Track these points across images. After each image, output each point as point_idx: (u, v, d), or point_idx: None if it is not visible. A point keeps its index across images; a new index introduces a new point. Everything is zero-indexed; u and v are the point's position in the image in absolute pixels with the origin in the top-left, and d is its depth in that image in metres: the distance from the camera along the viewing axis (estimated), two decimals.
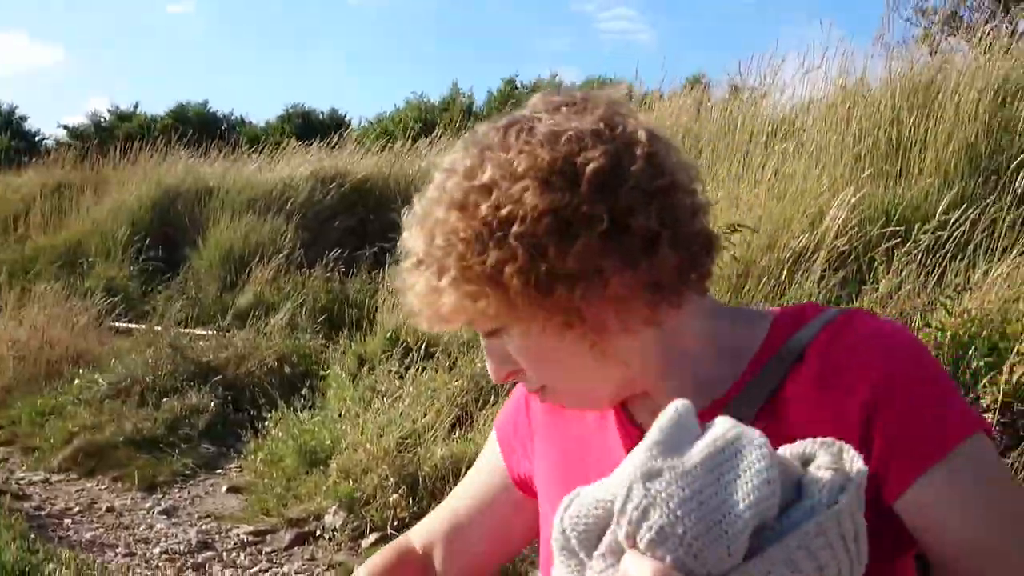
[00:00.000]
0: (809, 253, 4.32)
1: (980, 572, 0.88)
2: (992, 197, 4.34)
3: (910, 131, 4.94)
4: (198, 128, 21.38)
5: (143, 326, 7.18)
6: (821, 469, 0.71)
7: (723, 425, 0.70)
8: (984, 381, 3.41)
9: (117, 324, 7.52)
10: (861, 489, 0.69)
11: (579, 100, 1.00)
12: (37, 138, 29.62)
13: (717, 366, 1.01)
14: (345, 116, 30.24)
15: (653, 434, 0.70)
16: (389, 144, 11.19)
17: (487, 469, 1.33)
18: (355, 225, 8.93)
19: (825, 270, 4.26)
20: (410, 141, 11.43)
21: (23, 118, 30.79)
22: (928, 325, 3.60)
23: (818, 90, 5.97)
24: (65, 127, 29.34)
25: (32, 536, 3.64)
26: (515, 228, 0.93)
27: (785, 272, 4.35)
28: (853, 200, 4.23)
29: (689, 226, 0.96)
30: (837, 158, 5.06)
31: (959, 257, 4.06)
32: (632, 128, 0.97)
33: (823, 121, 5.41)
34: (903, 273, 3.86)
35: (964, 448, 0.89)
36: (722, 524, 0.63)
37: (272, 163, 10.50)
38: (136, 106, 30.82)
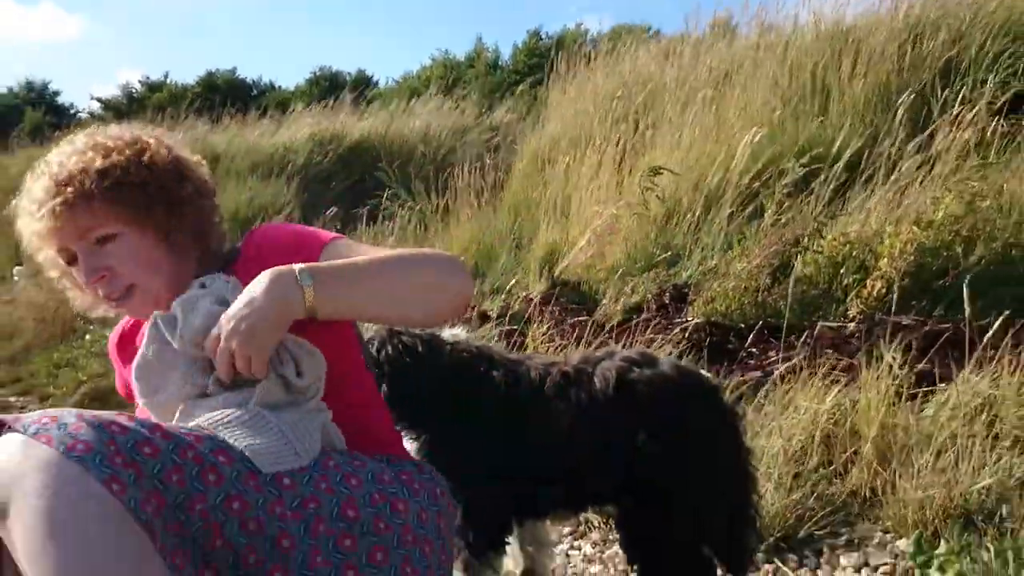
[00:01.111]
0: (721, 191, 4.72)
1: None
2: (897, 133, 4.69)
3: (828, 73, 5.28)
4: (227, 95, 21.90)
5: None
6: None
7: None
8: (852, 295, 3.84)
9: None
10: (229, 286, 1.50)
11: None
12: (72, 111, 30.32)
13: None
14: (372, 76, 30.59)
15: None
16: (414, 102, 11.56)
17: None
18: (352, 185, 9.41)
19: (735, 206, 4.67)
20: (440, 95, 11.81)
21: (56, 93, 31.51)
22: (807, 249, 4.01)
23: (754, 38, 6.29)
24: (98, 100, 30.00)
25: None
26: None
27: (700, 210, 4.77)
28: (756, 139, 4.61)
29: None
30: (764, 102, 5.43)
31: (852, 188, 4.45)
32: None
33: (755, 66, 5.76)
34: (784, 205, 4.26)
35: (331, 247, 1.59)
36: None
37: (276, 128, 10.98)
38: (166, 76, 31.35)
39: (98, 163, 1.57)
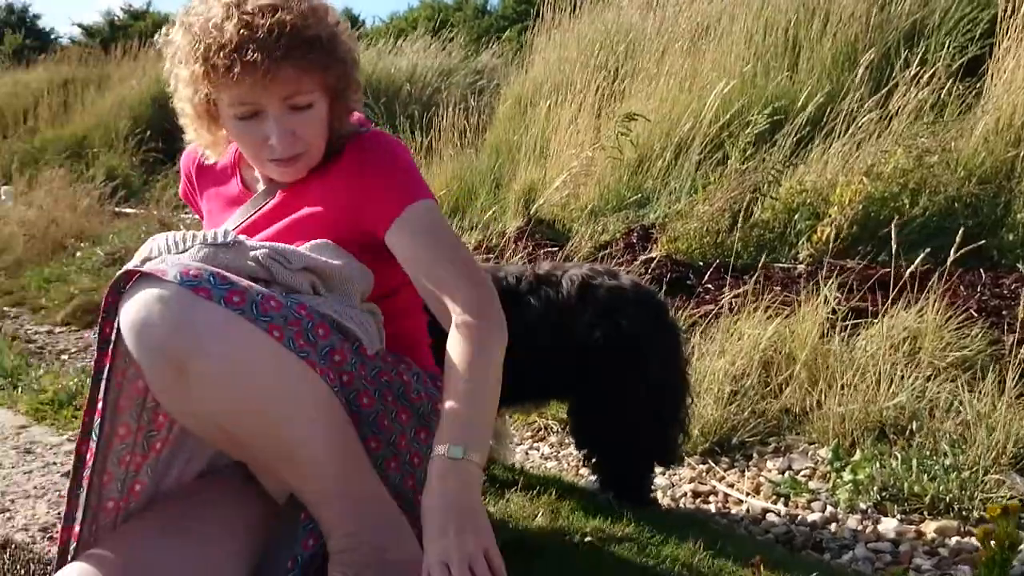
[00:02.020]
0: (691, 139, 4.99)
1: (420, 270, 1.63)
2: (859, 91, 4.96)
3: (800, 31, 5.53)
4: None
5: (141, 210, 7.97)
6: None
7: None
8: (803, 239, 4.13)
9: (117, 208, 8.31)
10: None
11: None
12: (52, 36, 30.05)
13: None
14: (359, 16, 30.42)
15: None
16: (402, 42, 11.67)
17: None
18: None
19: (703, 153, 4.94)
20: (428, 36, 11.90)
21: (37, 16, 31.19)
22: (765, 196, 4.30)
23: None
24: (79, 25, 29.73)
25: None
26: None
27: (670, 156, 5.03)
28: (726, 91, 4.86)
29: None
30: (738, 56, 5.67)
31: (814, 141, 4.73)
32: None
33: (731, 20, 5.99)
34: (748, 154, 4.54)
35: (415, 206, 1.66)
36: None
37: None
38: (149, 4, 31.06)
39: (324, 33, 1.61)
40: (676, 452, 2.43)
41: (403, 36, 12.58)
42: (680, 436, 2.42)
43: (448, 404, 1.49)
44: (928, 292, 3.23)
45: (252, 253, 1.57)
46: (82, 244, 6.85)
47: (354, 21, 28.43)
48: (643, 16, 7.75)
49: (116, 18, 29.73)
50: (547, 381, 2.33)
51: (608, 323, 2.23)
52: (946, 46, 4.96)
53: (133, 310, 1.40)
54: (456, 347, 1.54)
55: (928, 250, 3.59)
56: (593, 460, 2.36)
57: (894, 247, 3.38)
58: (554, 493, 2.27)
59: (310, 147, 1.69)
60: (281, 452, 1.52)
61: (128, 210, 8.25)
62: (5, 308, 6.01)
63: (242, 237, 1.62)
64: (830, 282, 3.37)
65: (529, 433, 3.19)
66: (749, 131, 4.69)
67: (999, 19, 4.76)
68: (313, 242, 1.66)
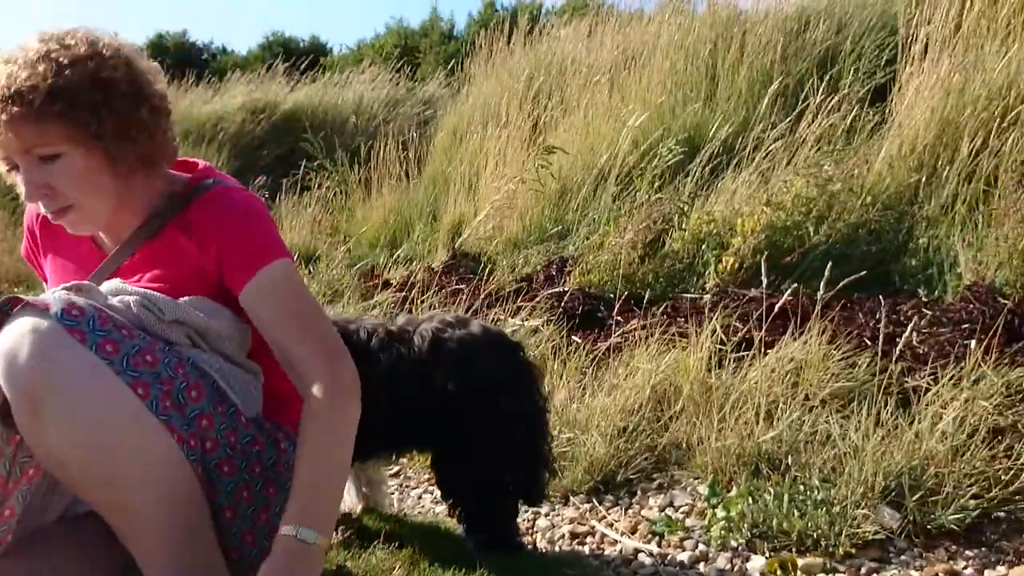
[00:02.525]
0: (608, 171, 5.04)
1: (275, 342, 1.65)
2: (769, 119, 5.03)
3: (718, 60, 5.60)
4: (177, 59, 21.68)
5: None
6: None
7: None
8: (710, 270, 4.18)
9: None
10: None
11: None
12: None
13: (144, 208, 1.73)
14: (326, 44, 30.39)
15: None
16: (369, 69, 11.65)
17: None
18: (284, 154, 9.61)
19: (619, 185, 4.99)
20: (393, 66, 11.95)
21: None
22: (672, 228, 4.35)
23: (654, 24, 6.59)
24: None
25: None
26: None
27: (588, 188, 5.09)
28: (638, 123, 4.93)
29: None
30: (659, 84, 5.74)
31: (727, 169, 4.79)
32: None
33: (654, 51, 6.07)
34: (656, 185, 4.60)
35: (269, 268, 1.64)
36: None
37: (212, 94, 11.10)
38: (115, 35, 30.84)
39: (50, 81, 1.52)
40: (541, 491, 2.45)
41: (366, 63, 12.62)
42: (544, 475, 2.44)
43: (298, 484, 1.54)
44: (814, 321, 3.27)
45: (124, 298, 1.58)
46: (16, 289, 6.80)
47: (321, 49, 28.45)
48: (574, 47, 7.86)
49: None
50: (411, 432, 2.36)
51: (462, 373, 2.26)
52: (856, 72, 5.04)
53: (8, 337, 1.43)
54: (308, 432, 1.58)
55: (837, 277, 3.64)
56: (459, 509, 2.38)
57: (761, 275, 3.42)
58: (419, 544, 2.29)
59: (77, 201, 1.63)
60: (115, 507, 1.54)
61: None
62: None
63: (108, 283, 1.64)
64: (715, 314, 3.41)
65: (427, 476, 3.20)
66: (657, 162, 4.74)
67: (901, 45, 4.84)
68: (189, 298, 1.67)
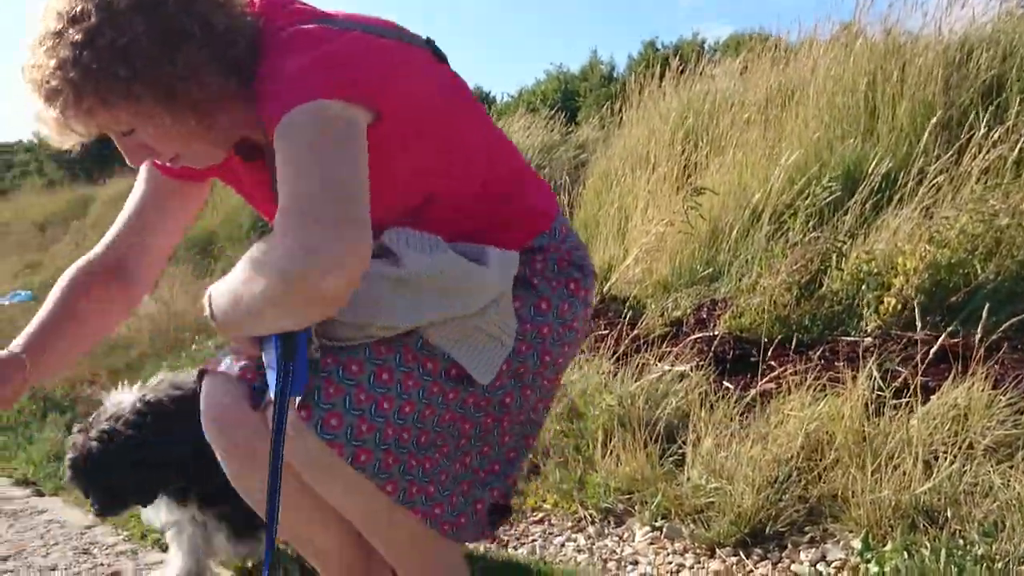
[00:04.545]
0: (760, 211, 4.94)
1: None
2: (935, 152, 4.81)
3: (877, 93, 5.42)
4: None
5: None
6: None
7: None
8: (870, 311, 4.02)
9: None
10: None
11: None
12: None
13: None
14: (489, 93, 31.16)
15: None
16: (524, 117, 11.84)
17: (145, 180, 1.88)
18: None
19: (773, 224, 4.87)
20: (550, 112, 12.10)
21: None
22: (830, 267, 4.21)
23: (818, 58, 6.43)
24: None
25: None
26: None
27: (740, 227, 4.99)
28: (791, 160, 4.81)
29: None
30: (816, 119, 5.60)
31: (885, 207, 4.61)
32: None
33: (809, 85, 5.93)
34: (811, 224, 4.46)
35: (293, 114, 1.37)
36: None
37: None
38: None
39: (72, 75, 1.38)
40: None
41: (522, 111, 12.79)
42: None
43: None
44: (978, 363, 3.09)
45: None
46: (197, 337, 7.26)
47: (484, 98, 29.13)
48: (727, 85, 7.76)
49: None
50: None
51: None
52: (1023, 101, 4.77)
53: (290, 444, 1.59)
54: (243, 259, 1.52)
55: (1006, 317, 3.45)
56: None
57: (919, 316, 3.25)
58: None
59: (179, 150, 1.58)
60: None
61: None
62: None
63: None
64: (873, 358, 3.27)
65: (570, 524, 3.20)
66: (810, 200, 4.61)
67: None
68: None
